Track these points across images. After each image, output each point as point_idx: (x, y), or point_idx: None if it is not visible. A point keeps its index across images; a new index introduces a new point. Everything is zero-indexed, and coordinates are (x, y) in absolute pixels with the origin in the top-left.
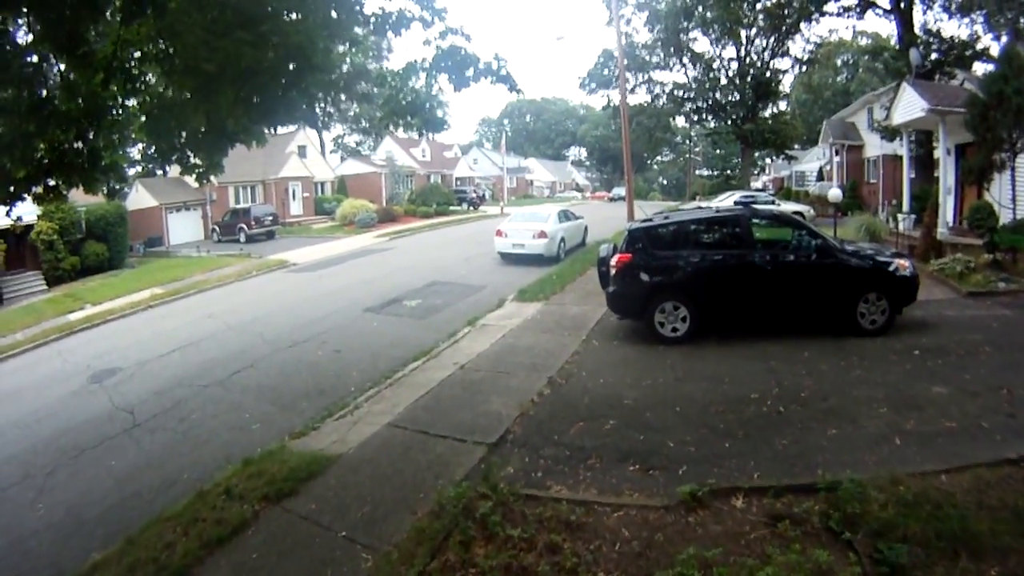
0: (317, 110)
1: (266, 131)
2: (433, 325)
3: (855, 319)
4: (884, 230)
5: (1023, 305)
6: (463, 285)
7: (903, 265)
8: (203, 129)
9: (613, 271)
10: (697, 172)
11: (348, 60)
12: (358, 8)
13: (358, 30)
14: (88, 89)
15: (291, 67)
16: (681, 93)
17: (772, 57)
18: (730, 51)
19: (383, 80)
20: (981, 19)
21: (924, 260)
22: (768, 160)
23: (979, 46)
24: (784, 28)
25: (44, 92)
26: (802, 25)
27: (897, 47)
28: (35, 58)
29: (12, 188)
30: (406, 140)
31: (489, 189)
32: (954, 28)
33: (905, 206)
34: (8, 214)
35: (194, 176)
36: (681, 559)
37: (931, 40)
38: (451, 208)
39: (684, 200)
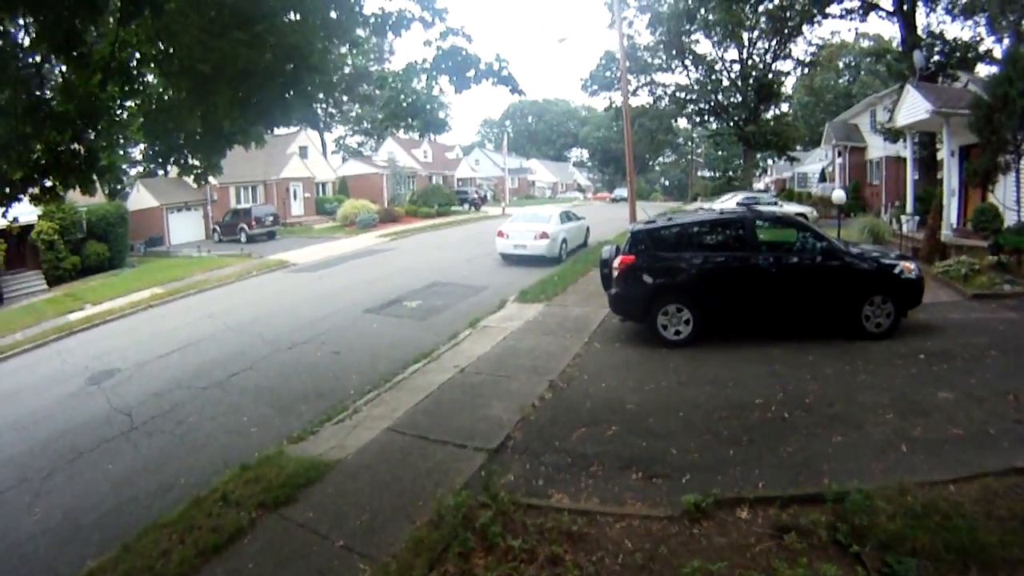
0: (319, 111)
1: (266, 132)
2: (433, 326)
3: (860, 322)
4: (887, 232)
5: None
6: (464, 286)
7: (908, 267)
8: (200, 130)
9: (615, 273)
10: (699, 173)
11: (350, 62)
12: (358, 9)
13: (358, 31)
14: (86, 90)
15: (288, 68)
16: (683, 95)
17: (774, 59)
18: (732, 53)
19: (384, 82)
20: (984, 21)
21: (928, 262)
22: (770, 161)
23: (982, 48)
24: (786, 30)
25: (41, 93)
26: (804, 27)
27: (900, 49)
28: (37, 58)
29: (8, 189)
30: (408, 141)
31: (491, 190)
32: (957, 30)
33: (909, 208)
34: (4, 215)
35: (192, 177)
36: (685, 573)
37: (934, 42)
38: (452, 209)
39: (686, 201)
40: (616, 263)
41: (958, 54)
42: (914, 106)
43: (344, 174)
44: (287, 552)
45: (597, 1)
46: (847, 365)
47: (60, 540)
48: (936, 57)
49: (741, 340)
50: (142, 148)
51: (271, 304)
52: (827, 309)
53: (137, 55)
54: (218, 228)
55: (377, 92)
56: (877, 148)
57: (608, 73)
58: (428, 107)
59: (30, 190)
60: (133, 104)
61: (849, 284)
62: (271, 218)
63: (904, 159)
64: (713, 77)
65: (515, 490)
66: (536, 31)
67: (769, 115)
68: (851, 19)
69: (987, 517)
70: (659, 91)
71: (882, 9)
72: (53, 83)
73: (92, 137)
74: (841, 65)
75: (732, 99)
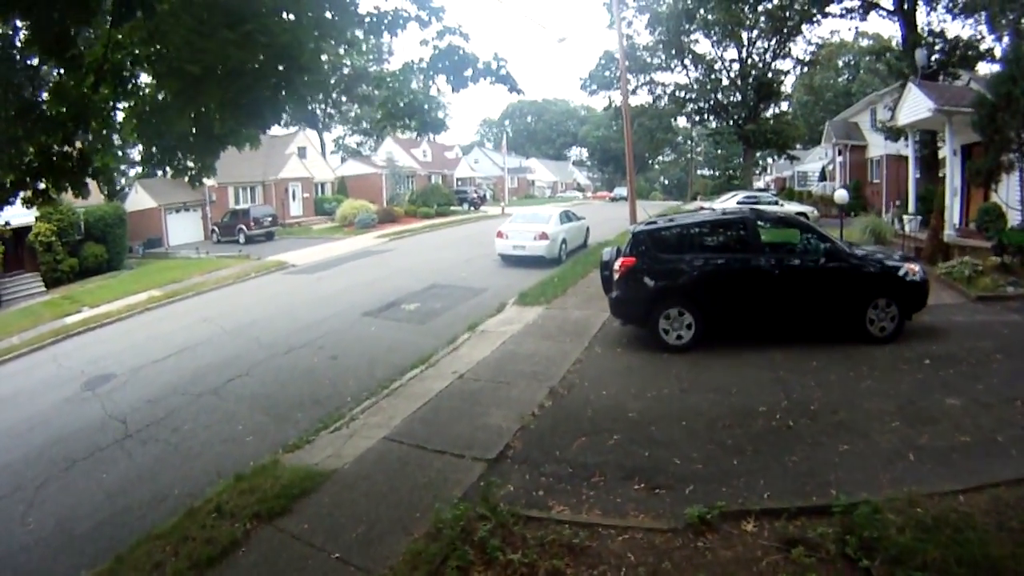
0: (317, 111)
1: (259, 133)
2: (432, 330)
3: (864, 326)
4: (889, 231)
5: None
6: (463, 288)
7: (913, 269)
8: (192, 132)
9: (616, 275)
10: (699, 172)
11: (348, 62)
12: (353, 8)
13: (355, 31)
14: (78, 92)
15: (279, 68)
16: (683, 94)
17: (774, 58)
18: (731, 52)
19: (381, 82)
20: (984, 19)
21: (931, 262)
22: (770, 160)
23: (983, 47)
24: (786, 30)
25: (33, 96)
26: (804, 26)
27: (900, 48)
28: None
29: (0, 193)
30: (407, 141)
31: (490, 189)
32: (957, 28)
33: (911, 207)
34: None
35: (186, 179)
36: None
37: (935, 40)
38: (452, 209)
39: (686, 200)
40: (617, 265)
41: (959, 52)
42: (916, 104)
43: (343, 174)
44: (282, 565)
45: (596, 1)
46: (852, 370)
47: (53, 550)
48: (937, 55)
49: (744, 345)
50: (140, 149)
51: (269, 307)
52: (831, 312)
53: (130, 57)
54: (216, 229)
55: (375, 92)
56: (878, 146)
57: (607, 73)
58: (425, 107)
59: (22, 193)
60: (126, 106)
61: (853, 287)
62: (270, 219)
63: (905, 157)
64: (712, 76)
65: (515, 501)
66: (536, 31)
67: (769, 114)
68: (851, 18)
69: (998, 529)
70: (658, 90)
71: (882, 8)
72: (45, 85)
73: (85, 139)
74: (841, 64)
75: (732, 98)
